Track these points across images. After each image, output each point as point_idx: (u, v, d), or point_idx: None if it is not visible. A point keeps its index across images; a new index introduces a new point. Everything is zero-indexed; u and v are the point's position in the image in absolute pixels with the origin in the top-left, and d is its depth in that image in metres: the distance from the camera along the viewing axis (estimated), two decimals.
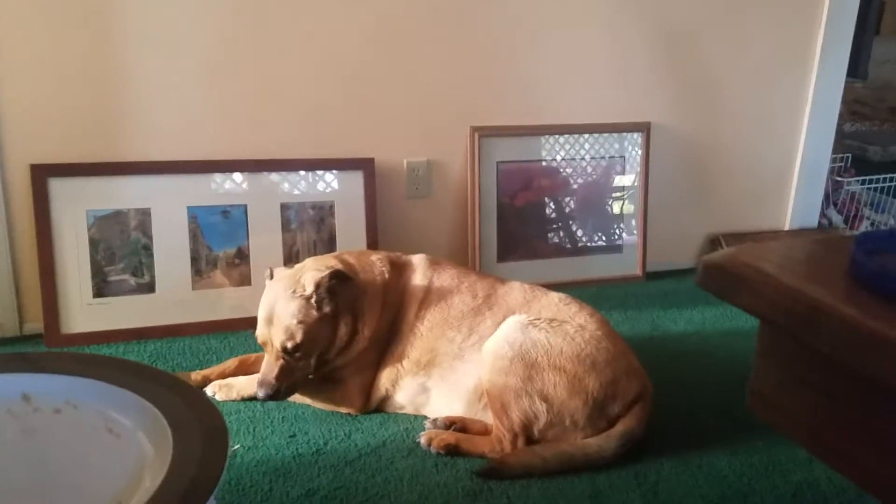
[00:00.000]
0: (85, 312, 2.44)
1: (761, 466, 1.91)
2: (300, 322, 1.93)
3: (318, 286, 1.95)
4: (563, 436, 1.87)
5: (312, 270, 1.99)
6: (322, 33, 2.66)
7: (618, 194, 3.21)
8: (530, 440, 1.87)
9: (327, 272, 1.97)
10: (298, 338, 1.93)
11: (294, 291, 1.96)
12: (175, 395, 1.26)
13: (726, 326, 2.77)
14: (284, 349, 1.93)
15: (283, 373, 1.95)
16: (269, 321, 1.95)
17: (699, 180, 3.37)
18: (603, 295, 3.03)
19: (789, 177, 3.51)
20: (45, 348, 2.36)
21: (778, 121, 3.41)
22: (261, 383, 1.95)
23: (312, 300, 1.95)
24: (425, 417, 2.05)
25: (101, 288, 2.46)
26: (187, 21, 2.50)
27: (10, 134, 2.36)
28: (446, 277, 2.12)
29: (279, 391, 1.95)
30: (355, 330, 2.03)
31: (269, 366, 1.96)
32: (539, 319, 1.94)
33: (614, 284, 3.15)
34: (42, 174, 2.38)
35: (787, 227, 3.56)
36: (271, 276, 2.07)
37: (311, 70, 2.67)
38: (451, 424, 1.97)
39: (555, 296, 2.08)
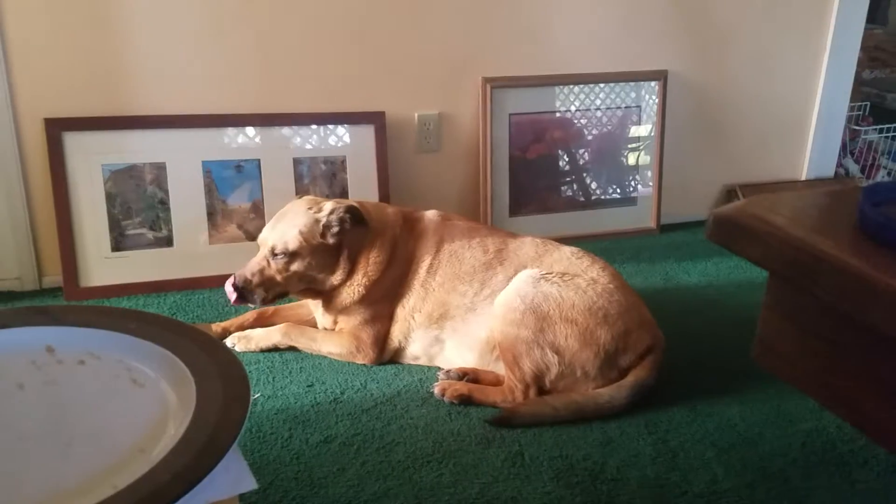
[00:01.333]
0: (103, 266, 2.47)
1: (771, 415, 1.94)
2: (300, 233, 2.01)
3: (332, 212, 2.03)
4: (574, 386, 1.90)
5: (333, 202, 2.08)
6: None
7: (633, 145, 3.18)
8: (542, 391, 1.91)
9: (345, 206, 2.06)
10: (291, 246, 2.00)
11: (310, 209, 2.05)
12: (196, 346, 1.28)
13: (739, 278, 2.78)
14: (273, 251, 2.01)
15: (262, 274, 2.02)
16: (275, 226, 2.05)
17: (715, 130, 3.33)
18: (616, 248, 3.03)
19: (806, 126, 3.45)
20: (64, 301, 2.41)
21: (795, 68, 3.34)
22: (236, 274, 2.03)
23: (321, 223, 2.02)
24: (439, 368, 2.08)
25: (119, 242, 2.50)
26: None
27: (23, 88, 2.37)
28: (457, 233, 2.14)
29: (247, 285, 2.01)
30: (353, 272, 2.07)
31: (252, 263, 2.04)
32: (551, 273, 1.95)
33: (628, 237, 3.15)
34: (56, 128, 2.39)
35: (803, 177, 3.52)
36: (299, 198, 2.17)
37: (322, 23, 2.65)
38: (464, 375, 2.00)
39: (567, 249, 2.09)
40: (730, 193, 3.43)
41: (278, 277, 2.03)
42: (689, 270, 2.84)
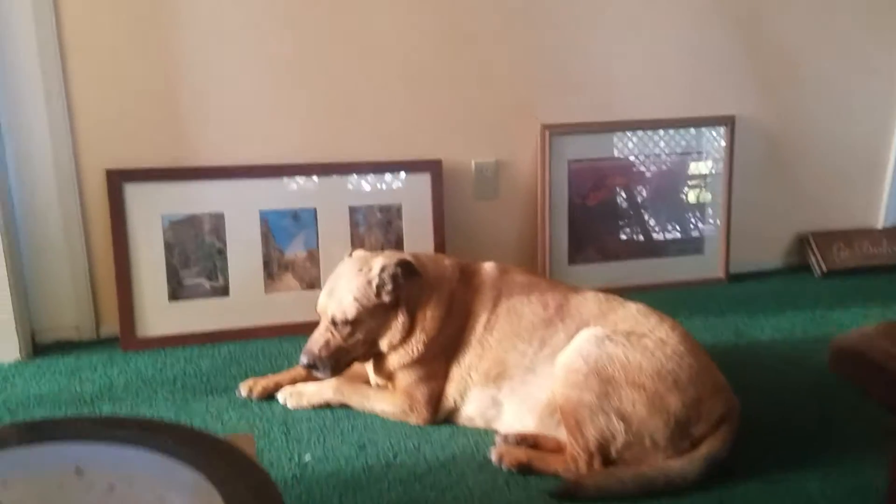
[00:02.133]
0: (160, 315, 2.47)
1: (855, 490, 1.77)
2: (356, 299, 1.95)
3: (383, 270, 1.97)
4: (642, 457, 1.77)
5: (384, 257, 2.02)
6: (388, 34, 2.62)
7: (697, 190, 3.06)
8: (607, 460, 1.78)
9: (396, 260, 1.99)
10: (350, 314, 1.94)
11: (360, 270, 1.99)
12: (233, 469, 1.20)
13: (816, 333, 2.61)
14: (333, 320, 1.96)
15: (328, 346, 1.97)
16: (331, 292, 2.00)
17: (786, 175, 3.18)
18: (681, 299, 2.90)
19: (882, 170, 3.28)
20: (121, 351, 2.41)
21: (871, 109, 3.19)
22: (304, 351, 1.98)
23: (374, 283, 1.96)
24: (496, 431, 1.99)
25: (176, 291, 2.50)
26: (257, 27, 2.50)
27: (86, 140, 2.41)
28: (516, 287, 2.05)
29: (319, 361, 1.97)
30: (412, 329, 2.00)
31: (317, 336, 1.99)
32: (616, 332, 1.84)
33: (694, 288, 3.01)
34: (117, 179, 2.42)
35: (881, 225, 3.33)
36: (350, 255, 2.11)
37: (378, 71, 2.64)
38: (524, 440, 1.90)
39: (633, 306, 1.98)
40: (802, 241, 3.27)
41: (345, 346, 1.98)
42: (762, 325, 2.69)
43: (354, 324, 1.96)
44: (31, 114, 2.32)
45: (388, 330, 2.00)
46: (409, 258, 2.03)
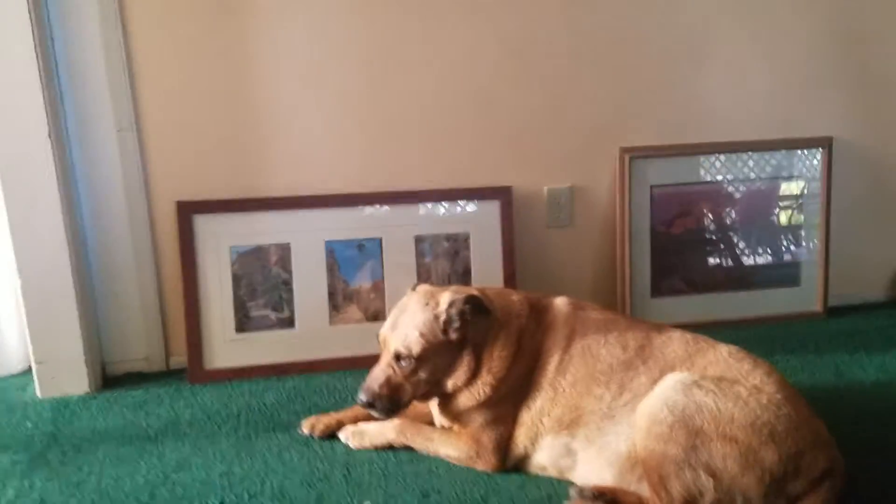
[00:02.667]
0: (227, 348, 2.45)
1: None
2: (421, 335, 1.84)
3: (451, 305, 1.86)
4: None
5: (451, 292, 1.91)
6: (456, 57, 2.54)
7: (792, 216, 2.84)
8: None
9: (465, 296, 1.88)
10: (414, 350, 1.83)
11: (427, 304, 1.89)
12: None
13: None
14: (397, 356, 1.85)
15: (389, 383, 1.86)
16: (395, 325, 1.89)
17: (890, 201, 2.93)
18: (776, 335, 2.68)
19: None
20: (188, 384, 2.39)
21: None
22: (364, 388, 1.87)
23: (441, 318, 1.86)
24: (570, 483, 1.84)
25: (244, 323, 2.47)
26: (325, 56, 2.47)
27: (157, 172, 2.42)
28: (591, 325, 1.91)
29: (378, 400, 1.85)
30: (478, 369, 1.88)
31: (378, 372, 1.88)
32: (705, 378, 1.68)
33: (790, 322, 2.78)
34: (187, 211, 2.41)
35: None
36: (413, 289, 2.00)
37: (446, 95, 2.56)
38: (601, 495, 1.74)
39: (724, 349, 1.80)
40: None
41: (406, 384, 1.88)
42: (865, 365, 2.45)
43: (418, 360, 1.85)
44: (103, 146, 2.35)
45: (453, 370, 1.89)
46: (477, 294, 1.92)
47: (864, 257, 2.95)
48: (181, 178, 2.43)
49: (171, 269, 2.46)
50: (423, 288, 2.00)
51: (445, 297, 1.89)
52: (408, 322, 1.88)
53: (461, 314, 1.86)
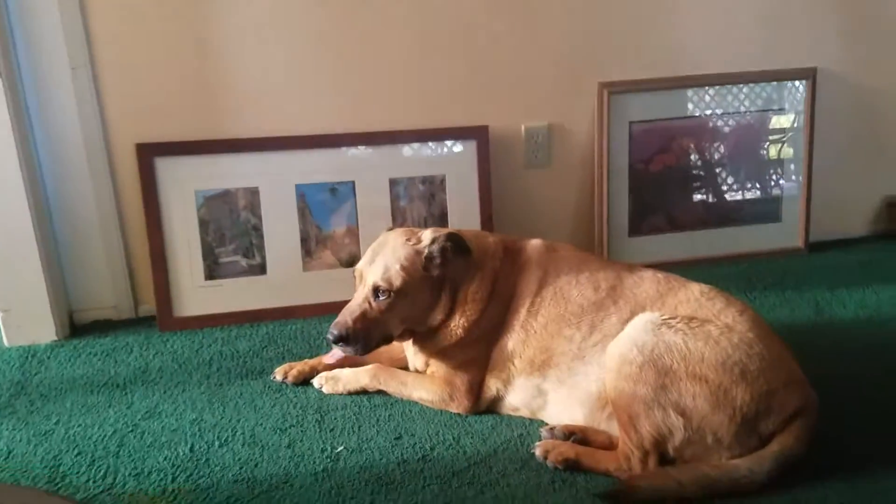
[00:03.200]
0: (197, 295, 2.40)
1: None
2: (402, 269, 1.81)
3: (433, 242, 1.83)
4: (703, 455, 1.60)
5: (431, 230, 1.89)
6: None
7: (774, 150, 2.78)
8: (663, 459, 1.62)
9: (447, 233, 1.85)
10: (395, 283, 1.80)
11: (408, 240, 1.86)
12: None
13: None
14: (375, 289, 1.80)
15: (363, 319, 1.81)
16: (373, 259, 1.85)
17: (874, 134, 2.88)
18: (756, 272, 2.66)
19: None
20: (158, 331, 2.36)
21: None
22: (335, 323, 1.81)
23: (423, 254, 1.83)
24: (542, 422, 1.83)
25: (213, 270, 2.42)
26: None
27: (115, 113, 2.32)
28: (564, 266, 1.88)
29: (352, 335, 1.79)
30: (452, 311, 1.86)
31: (353, 305, 1.83)
32: (675, 318, 1.65)
33: (770, 259, 2.76)
34: (148, 154, 2.33)
35: None
36: (389, 231, 1.97)
37: (418, 33, 2.46)
38: (571, 435, 1.74)
39: (696, 288, 1.78)
40: (891, 206, 2.96)
41: (381, 320, 1.83)
42: (845, 301, 2.43)
43: (398, 294, 1.80)
44: (57, 86, 2.25)
45: (430, 309, 1.86)
46: (457, 232, 1.88)
47: (847, 192, 2.91)
48: (141, 119, 2.34)
49: (134, 214, 2.39)
50: (402, 228, 1.96)
51: (427, 234, 1.86)
52: (389, 256, 1.84)
53: (443, 251, 1.83)
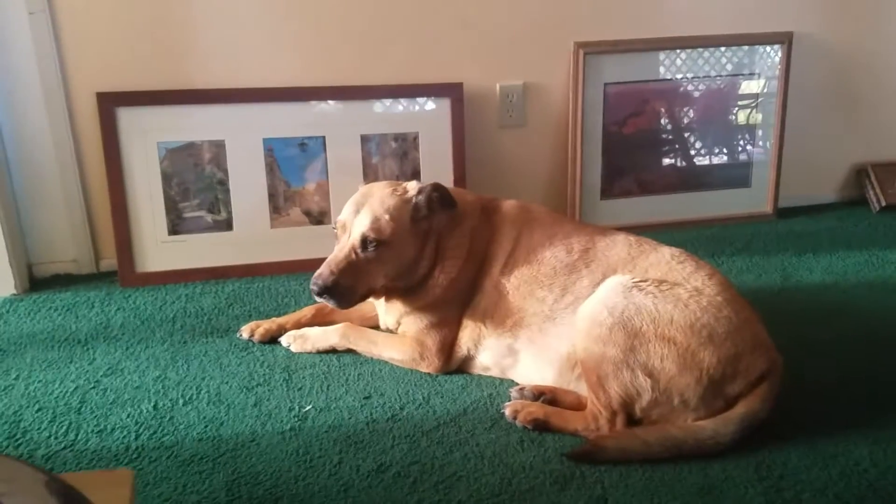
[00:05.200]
0: (160, 250, 2.35)
1: None
2: (392, 218, 1.77)
3: (420, 192, 1.81)
4: (670, 416, 1.61)
5: (416, 182, 1.86)
6: None
7: (746, 109, 2.78)
8: (631, 420, 1.63)
9: (433, 183, 1.83)
10: (385, 232, 1.76)
11: (395, 190, 1.82)
12: None
13: (871, 276, 2.39)
14: (363, 240, 1.76)
15: (348, 270, 1.76)
16: (358, 210, 1.80)
17: (846, 100, 2.89)
18: (725, 236, 2.68)
19: None
20: (120, 287, 2.30)
21: None
22: (318, 274, 1.76)
23: (411, 204, 1.80)
24: (512, 382, 1.83)
25: (177, 225, 2.36)
26: None
27: (75, 60, 2.23)
28: (537, 227, 1.86)
29: (337, 286, 1.74)
30: (433, 268, 1.84)
31: (337, 257, 1.77)
32: (645, 281, 1.65)
33: (739, 224, 2.78)
34: (109, 103, 2.25)
35: None
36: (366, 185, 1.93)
37: None
38: (541, 395, 1.74)
39: (666, 251, 1.77)
40: (860, 173, 2.99)
41: (368, 271, 1.78)
42: (812, 266, 2.46)
43: (386, 246, 1.77)
44: (14, 31, 2.15)
45: (414, 263, 1.83)
46: (442, 185, 1.85)
47: (816, 158, 2.93)
48: (102, 67, 2.25)
49: (95, 165, 2.32)
50: (383, 181, 1.92)
51: (413, 184, 1.84)
52: (376, 206, 1.79)
53: (429, 201, 1.81)
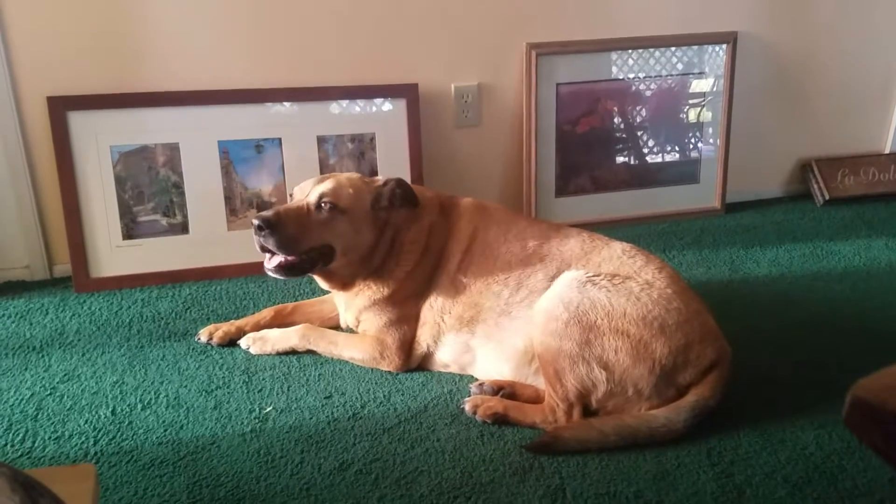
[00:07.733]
0: (115, 255, 2.32)
1: (853, 442, 1.65)
2: (353, 192, 1.82)
3: (385, 183, 1.86)
4: (625, 406, 1.66)
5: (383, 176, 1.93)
6: None
7: (696, 114, 2.85)
8: (587, 411, 1.67)
9: (397, 178, 1.88)
10: (342, 199, 1.79)
11: (362, 177, 1.89)
12: None
13: (815, 268, 2.47)
14: (319, 198, 1.78)
15: (295, 219, 1.75)
16: (321, 180, 1.84)
17: (790, 98, 2.98)
18: (675, 231, 2.75)
19: (890, 94, 3.09)
20: (74, 293, 2.27)
21: (881, 29, 2.97)
22: (264, 211, 1.75)
23: (373, 192, 1.84)
24: (472, 378, 1.86)
25: (131, 229, 2.33)
26: None
27: (24, 64, 2.19)
28: (493, 223, 1.90)
29: (277, 225, 1.72)
30: (388, 260, 1.87)
31: (291, 204, 1.80)
32: (599, 275, 1.70)
33: (689, 219, 2.85)
34: (60, 107, 2.22)
35: (887, 150, 3.16)
36: None
37: None
38: (500, 390, 1.78)
39: (618, 246, 1.82)
40: (804, 168, 3.09)
41: (318, 230, 1.78)
42: (759, 259, 2.54)
43: (340, 213, 1.79)
44: None
45: (368, 248, 1.85)
46: (406, 182, 1.90)
47: (762, 155, 3.02)
48: (52, 70, 2.21)
49: (47, 171, 2.28)
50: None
51: (379, 177, 1.90)
52: (342, 179, 1.85)
53: (391, 195, 1.85)
